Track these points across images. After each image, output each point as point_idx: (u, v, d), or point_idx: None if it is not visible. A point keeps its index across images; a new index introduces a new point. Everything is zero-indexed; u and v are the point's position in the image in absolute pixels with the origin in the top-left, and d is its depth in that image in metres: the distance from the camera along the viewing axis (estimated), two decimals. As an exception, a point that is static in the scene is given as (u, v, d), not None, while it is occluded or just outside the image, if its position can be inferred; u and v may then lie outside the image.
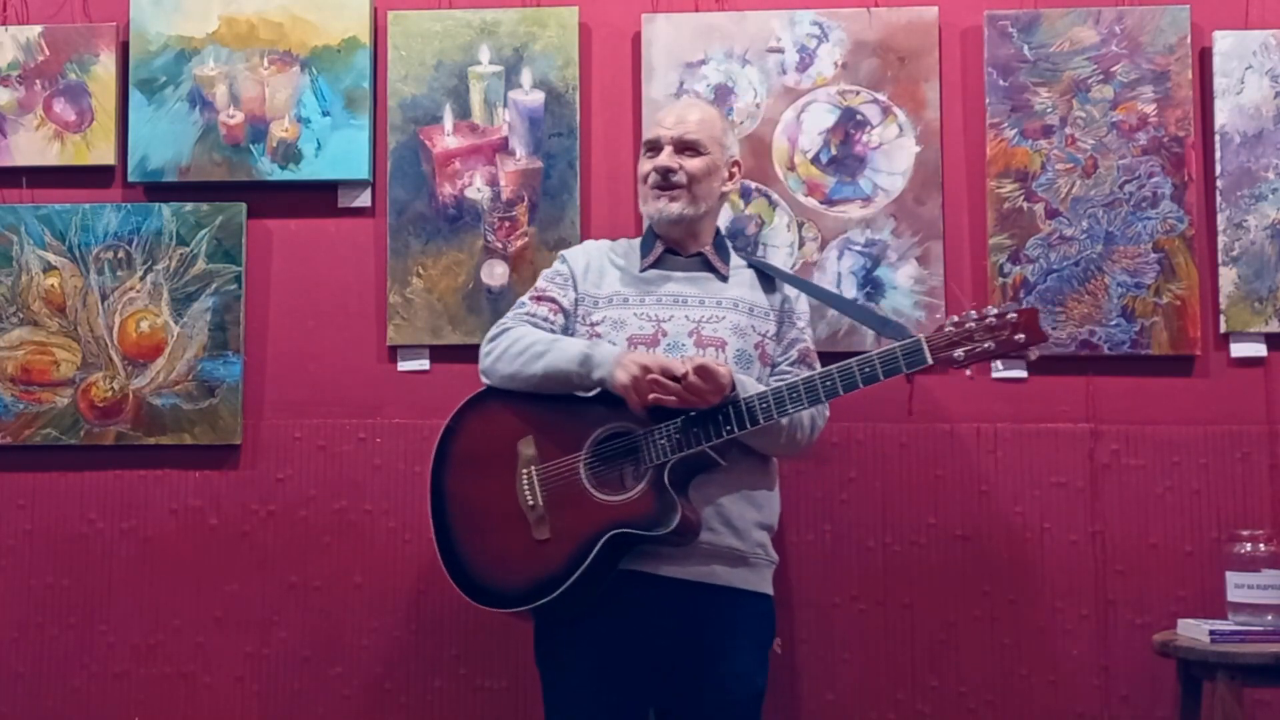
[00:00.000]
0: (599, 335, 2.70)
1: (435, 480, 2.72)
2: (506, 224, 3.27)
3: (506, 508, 2.62)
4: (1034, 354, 2.53)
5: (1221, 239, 3.16)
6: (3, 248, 3.31)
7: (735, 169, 2.84)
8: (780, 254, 3.22)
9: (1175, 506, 3.13)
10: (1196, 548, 3.11)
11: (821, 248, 3.22)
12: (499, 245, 3.26)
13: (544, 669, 2.70)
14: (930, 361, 2.52)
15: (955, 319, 2.53)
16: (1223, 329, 3.15)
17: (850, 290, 3.20)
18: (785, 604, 3.15)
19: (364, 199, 3.33)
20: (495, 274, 3.25)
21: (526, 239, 3.25)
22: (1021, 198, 3.20)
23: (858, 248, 3.22)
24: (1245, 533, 2.96)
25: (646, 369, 2.53)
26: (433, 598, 3.21)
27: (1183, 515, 3.13)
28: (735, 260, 2.83)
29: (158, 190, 3.34)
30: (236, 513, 3.27)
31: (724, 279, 2.77)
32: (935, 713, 3.13)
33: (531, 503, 2.61)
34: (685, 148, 2.74)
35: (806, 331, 2.82)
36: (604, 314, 2.73)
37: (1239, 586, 2.88)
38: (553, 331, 2.73)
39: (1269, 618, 2.83)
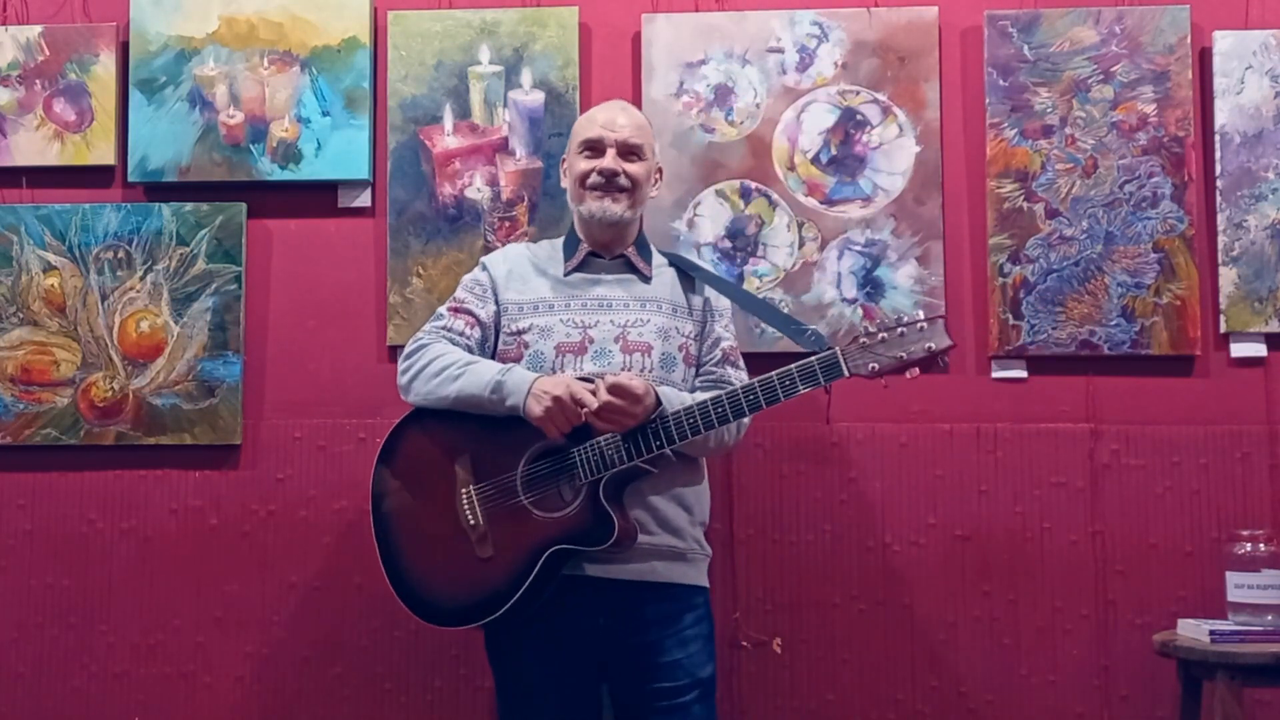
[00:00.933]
0: (526, 344, 2.71)
1: (375, 500, 2.74)
2: (506, 224, 3.27)
3: (449, 526, 2.65)
4: (943, 362, 2.57)
5: (1221, 239, 3.16)
6: (3, 248, 3.31)
7: (659, 175, 2.89)
8: (780, 254, 3.22)
9: (1175, 506, 3.13)
10: (1196, 548, 3.11)
11: (821, 248, 3.22)
12: (499, 245, 3.25)
13: (496, 669, 2.75)
14: (847, 374, 2.55)
15: (868, 329, 2.57)
16: (1223, 329, 3.15)
17: (850, 290, 3.20)
18: (785, 604, 3.16)
19: (364, 199, 3.33)
20: (495, 274, 3.25)
21: (526, 239, 3.25)
22: (1021, 198, 3.20)
23: (858, 248, 3.22)
24: (1245, 533, 2.96)
25: (560, 400, 2.55)
26: (433, 598, 3.21)
27: (1183, 515, 3.13)
28: (657, 259, 2.85)
29: (158, 190, 3.34)
30: (236, 513, 3.27)
31: (646, 279, 2.79)
32: (935, 713, 3.13)
33: (473, 522, 2.64)
34: (629, 152, 2.76)
35: (729, 329, 2.84)
36: (530, 321, 2.73)
37: (1239, 586, 2.88)
38: (468, 347, 2.74)
39: (1269, 618, 2.83)
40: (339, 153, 3.30)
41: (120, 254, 3.30)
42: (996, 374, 3.18)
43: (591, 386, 2.56)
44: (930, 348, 2.54)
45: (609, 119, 2.79)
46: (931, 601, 3.15)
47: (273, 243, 3.33)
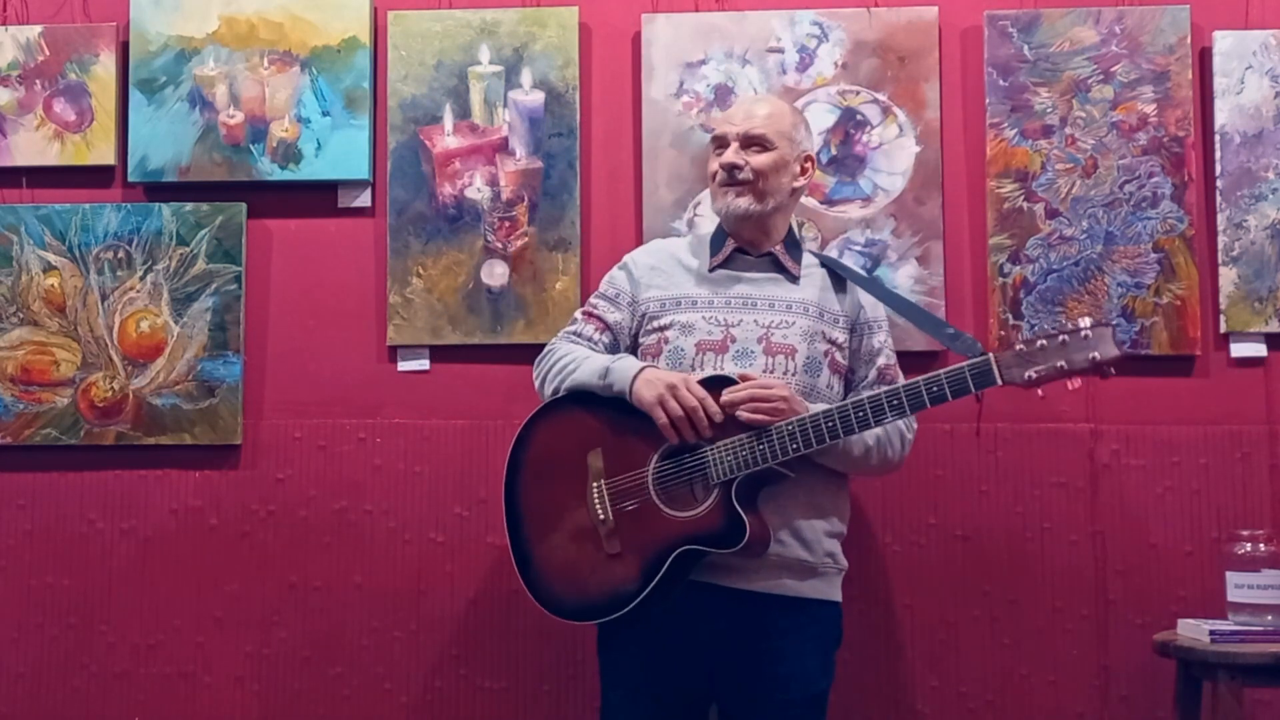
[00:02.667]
0: (667, 340, 2.67)
1: (509, 490, 2.70)
2: (506, 224, 3.27)
3: (579, 520, 2.61)
4: (1110, 372, 2.44)
5: (1221, 239, 3.16)
6: (3, 248, 3.31)
7: (808, 163, 2.77)
8: (780, 254, 3.22)
9: (1175, 506, 3.13)
10: (1196, 548, 3.11)
11: (821, 248, 3.21)
12: (499, 245, 3.26)
13: (605, 667, 2.70)
14: (1000, 383, 2.47)
15: (1026, 336, 2.50)
16: (1223, 329, 3.15)
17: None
18: (785, 604, 3.16)
19: (364, 199, 3.33)
20: (495, 274, 3.25)
21: (526, 239, 3.25)
22: (1021, 198, 3.20)
23: (858, 248, 3.22)
24: (1245, 533, 2.95)
25: (673, 387, 2.52)
26: (433, 598, 3.22)
27: (1183, 515, 3.13)
28: (807, 259, 2.77)
29: (158, 190, 3.34)
30: (236, 513, 3.27)
31: (794, 279, 2.72)
32: (935, 713, 3.13)
33: (602, 517, 2.59)
34: (752, 143, 2.69)
35: (888, 344, 2.75)
36: (672, 318, 2.69)
37: (1239, 586, 2.88)
38: (595, 350, 2.72)
39: (1269, 618, 2.83)
40: (339, 153, 3.30)
41: (120, 254, 3.30)
42: (996, 374, 3.18)
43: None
44: (1095, 357, 2.43)
45: (732, 112, 2.76)
46: (931, 601, 3.15)
47: (273, 243, 3.33)
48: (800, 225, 3.22)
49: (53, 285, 3.31)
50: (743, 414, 2.52)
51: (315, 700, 3.22)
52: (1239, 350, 3.16)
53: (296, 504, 3.26)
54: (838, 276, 2.77)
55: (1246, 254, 3.16)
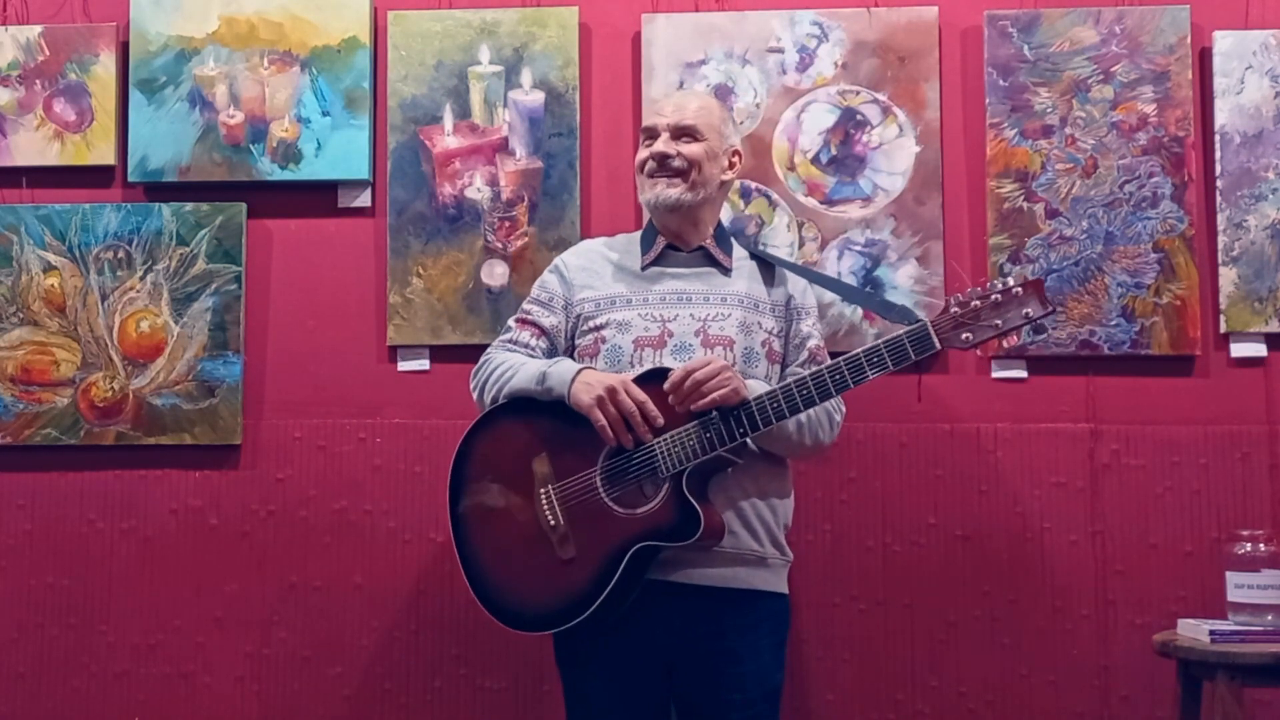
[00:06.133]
0: (604, 339, 2.67)
1: (453, 506, 2.68)
2: (506, 224, 3.27)
3: (528, 529, 2.59)
4: (1046, 326, 2.48)
5: (1221, 239, 3.17)
6: (3, 248, 3.32)
7: (735, 158, 2.79)
8: (780, 254, 3.21)
9: (1175, 506, 3.14)
10: (1196, 548, 3.12)
11: (821, 248, 3.22)
12: (499, 245, 3.26)
13: (565, 671, 2.69)
14: (939, 347, 2.48)
15: (959, 298, 2.49)
16: (1223, 329, 3.15)
17: (850, 290, 3.20)
18: (785, 604, 3.16)
19: (364, 199, 3.33)
20: (495, 274, 3.26)
21: (526, 239, 3.25)
22: (1021, 198, 3.20)
23: (858, 248, 3.22)
24: (1245, 533, 2.95)
25: (612, 390, 2.52)
26: (433, 598, 3.22)
27: (1183, 515, 3.13)
28: (738, 251, 2.78)
29: (158, 190, 3.34)
30: (236, 513, 3.27)
31: (727, 272, 2.72)
32: (935, 713, 3.13)
33: (553, 523, 2.57)
34: (682, 133, 2.70)
35: (816, 328, 2.77)
36: (608, 316, 2.69)
37: (1239, 586, 2.88)
38: (533, 356, 2.71)
39: (1269, 618, 2.83)
40: (339, 153, 3.30)
41: (120, 254, 3.30)
42: (996, 374, 3.18)
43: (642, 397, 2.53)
44: (1028, 314, 2.46)
45: (662, 104, 2.78)
46: (931, 601, 3.15)
47: (273, 243, 3.33)
48: (801, 225, 3.22)
49: (53, 285, 3.31)
50: (700, 405, 2.49)
51: (315, 700, 3.22)
52: (1239, 350, 3.16)
53: (296, 504, 3.26)
54: (768, 266, 2.78)
55: (1246, 254, 3.16)
